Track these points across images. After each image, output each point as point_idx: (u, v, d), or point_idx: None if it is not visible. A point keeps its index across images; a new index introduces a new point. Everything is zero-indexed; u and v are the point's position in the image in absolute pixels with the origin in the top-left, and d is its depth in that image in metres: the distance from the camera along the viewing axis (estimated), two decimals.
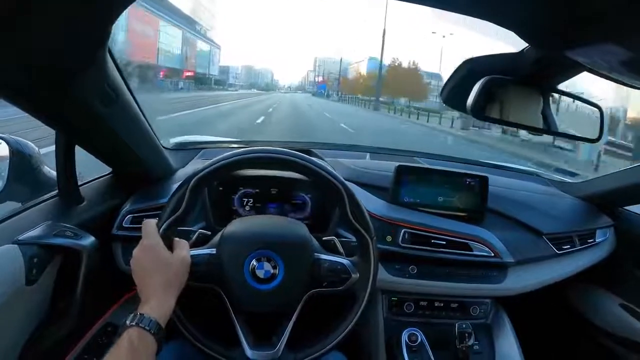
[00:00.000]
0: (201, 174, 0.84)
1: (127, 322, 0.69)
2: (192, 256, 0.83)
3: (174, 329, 0.82)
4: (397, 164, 1.29)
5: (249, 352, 0.83)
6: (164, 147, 1.23)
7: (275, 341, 0.85)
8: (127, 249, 1.12)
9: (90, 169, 1.15)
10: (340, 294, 0.89)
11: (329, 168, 0.87)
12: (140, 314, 0.70)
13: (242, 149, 0.86)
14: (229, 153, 0.85)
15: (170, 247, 0.81)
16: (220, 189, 1.24)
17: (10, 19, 0.52)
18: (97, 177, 1.19)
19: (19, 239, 0.84)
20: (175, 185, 0.90)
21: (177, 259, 0.79)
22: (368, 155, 1.65)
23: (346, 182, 0.87)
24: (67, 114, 0.82)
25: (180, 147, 1.52)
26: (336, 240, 0.99)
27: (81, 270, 0.93)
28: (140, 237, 0.80)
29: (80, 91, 0.77)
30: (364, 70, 64.66)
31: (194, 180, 0.83)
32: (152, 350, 0.68)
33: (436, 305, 1.24)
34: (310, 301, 0.88)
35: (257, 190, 1.25)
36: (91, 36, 0.66)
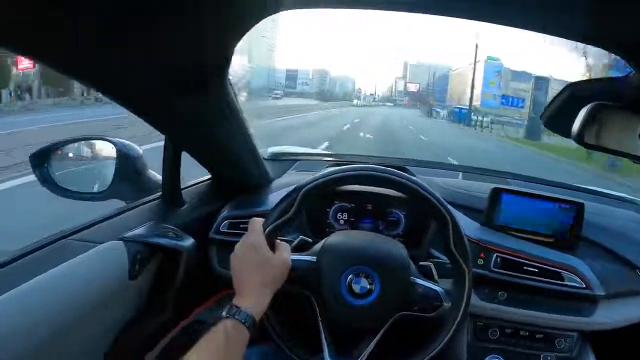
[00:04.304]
0: (313, 183, 0.90)
1: (224, 313, 0.75)
2: (293, 260, 0.89)
3: (260, 328, 0.90)
4: (492, 185, 1.29)
5: None
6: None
7: (356, 355, 0.90)
8: (222, 252, 1.23)
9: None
10: (428, 320, 0.92)
11: (437, 194, 0.91)
12: (236, 306, 0.76)
13: (354, 165, 0.92)
14: (340, 168, 0.92)
15: (272, 248, 0.87)
16: (318, 201, 1.31)
17: (137, 33, 0.61)
18: (197, 181, 1.33)
19: (125, 236, 0.95)
20: (272, 195, 1.00)
21: (278, 260, 0.85)
22: (460, 174, 1.65)
23: (451, 210, 0.91)
24: (184, 124, 0.95)
25: (275, 158, 1.62)
26: (432, 266, 1.02)
27: (180, 270, 1.03)
28: (235, 243, 0.88)
29: (201, 105, 0.89)
30: (478, 77, 44.75)
31: (305, 189, 0.89)
32: (244, 343, 0.74)
33: (521, 334, 1.22)
34: (397, 322, 0.92)
35: (353, 204, 1.31)
36: (217, 54, 0.76)
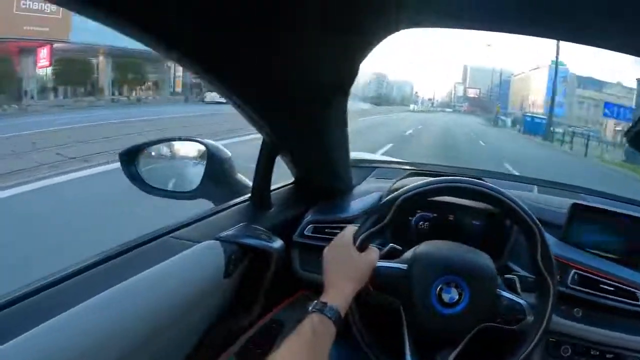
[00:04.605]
0: (410, 193, 1.02)
1: (310, 308, 0.88)
2: (383, 267, 1.03)
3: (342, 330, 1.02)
4: (569, 200, 1.40)
5: None
6: None
7: None
8: (304, 255, 1.39)
9: None
10: (509, 332, 1.03)
11: (528, 209, 1.02)
12: (322, 302, 0.89)
13: (448, 177, 1.05)
14: (435, 179, 1.04)
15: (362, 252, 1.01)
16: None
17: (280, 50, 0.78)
18: (280, 185, 1.50)
19: (220, 236, 1.12)
20: (354, 202, 1.20)
21: (364, 260, 0.99)
22: (536, 188, 1.76)
23: (541, 226, 1.02)
24: (296, 130, 1.13)
25: (354, 164, 1.77)
26: (516, 279, 1.12)
27: (269, 271, 1.18)
28: (317, 246, 1.06)
29: (320, 115, 1.07)
30: (541, 82, 44.67)
31: (402, 198, 1.02)
32: (331, 336, 0.86)
33: (592, 353, 1.29)
34: (479, 333, 1.03)
35: (435, 214, 1.43)
36: (345, 70, 0.94)
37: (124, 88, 26.34)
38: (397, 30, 0.86)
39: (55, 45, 21.09)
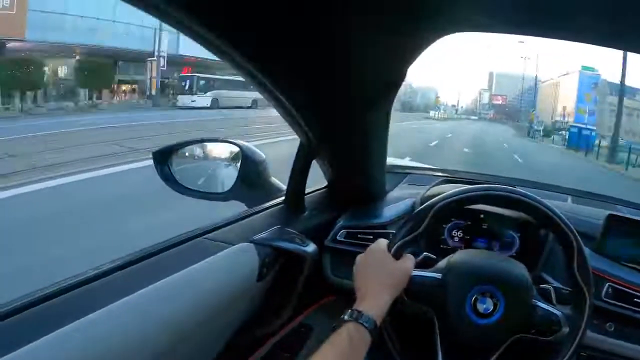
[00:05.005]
0: (446, 201, 1.13)
1: (345, 317, 0.96)
2: (418, 276, 1.12)
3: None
4: (604, 211, 1.51)
5: None
6: None
7: None
8: (336, 260, 1.55)
9: None
10: (542, 344, 1.14)
11: (566, 219, 1.11)
12: (358, 310, 0.97)
13: (485, 185, 1.16)
14: (472, 187, 1.15)
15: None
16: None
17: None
18: (313, 190, 1.66)
19: (255, 239, 1.25)
20: (387, 208, 1.37)
21: (399, 267, 1.09)
22: (570, 198, 1.90)
23: (579, 236, 1.10)
24: (338, 132, 1.29)
25: (387, 170, 1.89)
26: (552, 289, 1.22)
27: (302, 275, 1.33)
28: (349, 252, 1.20)
29: (366, 116, 1.23)
30: (571, 89, 46.01)
31: (438, 206, 1.12)
32: (366, 346, 0.95)
33: None
34: (512, 344, 1.14)
35: (469, 222, 1.56)
36: (394, 72, 1.10)
37: (90, 92, 25.69)
38: (449, 33, 1.00)
39: (10, 44, 20.95)
